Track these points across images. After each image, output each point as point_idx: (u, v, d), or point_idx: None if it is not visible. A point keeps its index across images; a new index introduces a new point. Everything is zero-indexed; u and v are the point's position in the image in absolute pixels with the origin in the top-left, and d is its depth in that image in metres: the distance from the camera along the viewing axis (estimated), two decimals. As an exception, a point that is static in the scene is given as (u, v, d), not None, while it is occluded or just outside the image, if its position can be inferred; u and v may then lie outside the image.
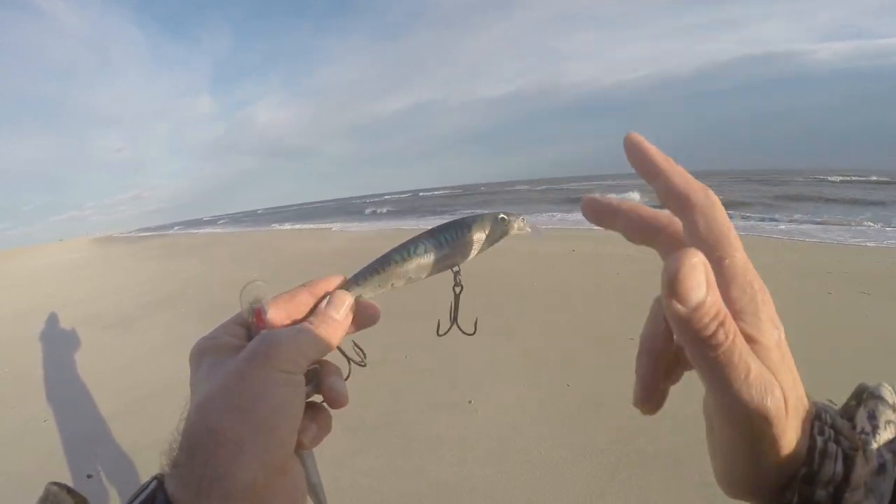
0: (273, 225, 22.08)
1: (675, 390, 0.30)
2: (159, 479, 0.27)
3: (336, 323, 0.33)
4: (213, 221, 38.74)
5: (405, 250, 0.37)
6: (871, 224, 7.35)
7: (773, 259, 4.68)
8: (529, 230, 0.39)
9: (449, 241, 0.37)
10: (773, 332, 0.22)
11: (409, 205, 26.54)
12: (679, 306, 0.20)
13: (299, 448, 0.31)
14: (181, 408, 0.29)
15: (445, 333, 0.42)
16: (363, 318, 0.36)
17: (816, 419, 0.23)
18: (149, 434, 2.26)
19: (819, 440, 0.22)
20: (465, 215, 0.39)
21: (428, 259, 0.37)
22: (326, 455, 0.32)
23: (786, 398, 0.22)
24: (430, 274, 0.38)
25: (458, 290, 0.40)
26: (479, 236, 0.38)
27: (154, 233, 29.66)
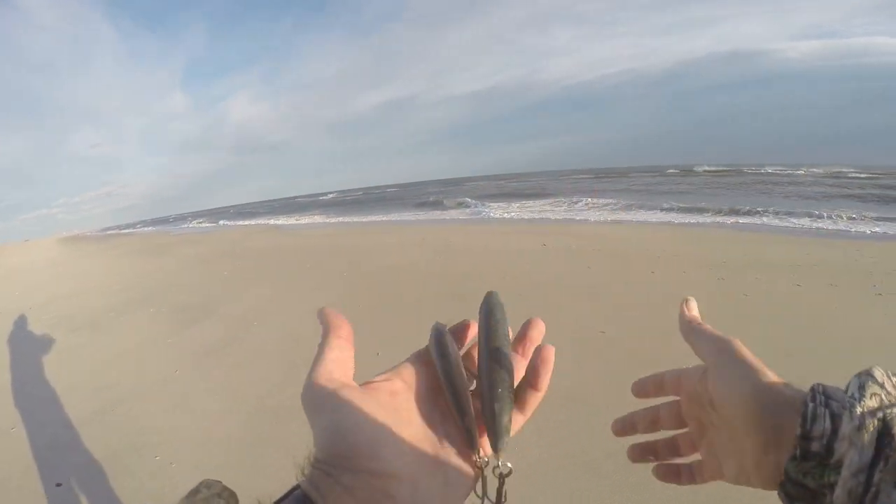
0: (243, 221, 21.64)
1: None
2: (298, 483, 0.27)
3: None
4: (185, 218, 37.57)
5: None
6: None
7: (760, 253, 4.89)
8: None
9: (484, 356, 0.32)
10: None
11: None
12: None
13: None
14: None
15: None
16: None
17: (811, 390, 0.30)
18: (121, 439, 2.21)
19: (810, 406, 0.28)
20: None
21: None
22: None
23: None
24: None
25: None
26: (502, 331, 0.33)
27: (124, 231, 28.66)
